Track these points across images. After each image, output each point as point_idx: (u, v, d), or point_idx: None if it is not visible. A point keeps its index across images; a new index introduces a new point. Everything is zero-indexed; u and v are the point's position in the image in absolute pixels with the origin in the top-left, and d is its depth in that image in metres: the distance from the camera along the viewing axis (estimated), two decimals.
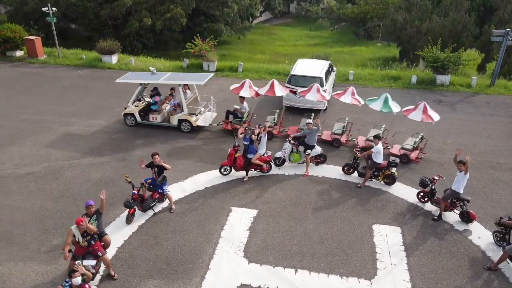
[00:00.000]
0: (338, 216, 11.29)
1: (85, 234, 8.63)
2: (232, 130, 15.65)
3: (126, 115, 16.28)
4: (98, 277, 9.09)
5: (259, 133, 12.71)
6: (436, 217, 11.24)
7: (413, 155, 14.12)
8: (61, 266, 9.44)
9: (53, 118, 16.94)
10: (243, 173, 12.91)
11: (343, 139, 14.90)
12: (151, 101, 16.52)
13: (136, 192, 10.70)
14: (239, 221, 11.02)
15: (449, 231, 10.83)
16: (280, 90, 15.37)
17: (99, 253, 8.80)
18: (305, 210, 11.50)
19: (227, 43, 47.39)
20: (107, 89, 20.10)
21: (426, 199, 11.75)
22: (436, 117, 13.67)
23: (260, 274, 9.35)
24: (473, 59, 22.29)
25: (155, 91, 16.94)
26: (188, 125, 15.81)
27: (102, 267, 9.23)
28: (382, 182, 12.63)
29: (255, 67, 23.52)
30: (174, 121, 15.90)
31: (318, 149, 13.44)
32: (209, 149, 14.70)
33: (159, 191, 11.13)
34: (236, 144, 12.80)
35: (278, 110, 16.36)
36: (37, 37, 24.85)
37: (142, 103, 16.55)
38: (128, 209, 10.71)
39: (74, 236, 8.71)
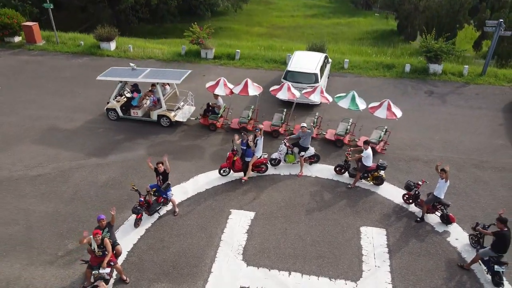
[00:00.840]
0: (329, 218, 12.26)
1: (101, 246, 9.58)
2: (209, 125, 16.44)
3: (108, 109, 17.04)
4: (112, 281, 10.12)
5: (255, 137, 13.47)
6: (419, 219, 12.24)
7: (379, 147, 15.11)
8: (78, 270, 10.45)
9: (57, 114, 17.55)
10: (241, 173, 13.78)
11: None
12: (131, 95, 17.23)
13: (142, 199, 11.59)
14: (238, 224, 11.99)
15: (430, 233, 11.86)
16: (253, 90, 15.92)
17: (112, 263, 9.79)
18: (299, 213, 12.45)
19: (223, 14, 47.06)
20: (107, 81, 20.50)
21: (410, 201, 12.70)
22: (399, 113, 14.68)
23: (257, 277, 10.41)
24: (465, 50, 22.61)
25: (135, 87, 17.60)
26: (168, 120, 16.59)
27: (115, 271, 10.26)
28: (371, 183, 13.54)
29: (252, 54, 23.84)
30: (153, 116, 16.68)
31: (311, 150, 14.24)
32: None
33: (164, 196, 12.02)
34: (234, 148, 13.57)
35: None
36: (35, 23, 24.90)
37: (123, 98, 17.23)
38: (136, 215, 11.64)
39: (90, 245, 9.66)
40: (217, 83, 16.13)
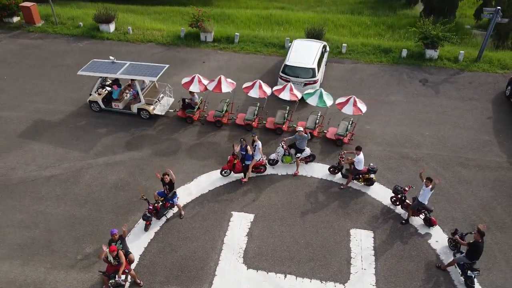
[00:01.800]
0: (322, 220, 13.41)
1: (116, 258, 10.75)
2: (185, 118, 17.32)
3: (91, 102, 17.80)
4: (127, 284, 11.39)
5: (253, 141, 14.31)
6: (404, 221, 13.39)
7: (346, 139, 16.16)
8: (96, 274, 11.69)
9: (64, 108, 18.20)
10: (241, 174, 14.77)
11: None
12: (111, 88, 17.96)
13: (151, 207, 12.65)
14: (239, 226, 13.15)
15: (413, 235, 13.05)
16: (226, 87, 16.48)
17: (126, 270, 11.00)
18: (294, 214, 13.58)
19: None
20: None
21: (397, 203, 13.79)
22: (364, 108, 15.68)
23: (257, 279, 11.70)
24: (459, 38, 22.75)
25: (115, 81, 18.20)
26: (147, 113, 17.44)
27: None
28: (362, 184, 14.57)
29: (251, 37, 23.96)
30: (134, 109, 17.55)
31: (307, 151, 15.13)
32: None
33: (170, 202, 13.06)
34: (235, 153, 14.44)
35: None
36: (33, 3, 24.74)
37: (105, 91, 17.93)
38: (145, 221, 12.76)
39: (107, 258, 10.83)
40: (192, 80, 16.69)
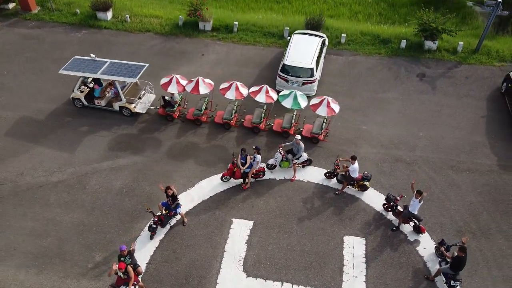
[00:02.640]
0: (317, 227, 14.19)
1: (125, 273, 11.58)
2: (166, 116, 17.86)
3: (73, 98, 18.28)
4: None
5: (254, 153, 14.84)
6: (394, 228, 14.18)
7: (321, 136, 16.76)
8: (106, 282, 12.58)
9: (67, 107, 18.52)
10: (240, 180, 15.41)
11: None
12: (93, 86, 18.39)
13: (156, 219, 13.38)
14: (239, 234, 13.93)
15: (403, 242, 13.88)
16: (204, 88, 16.77)
17: (135, 282, 11.87)
18: (291, 221, 14.33)
19: None
20: None
21: (389, 209, 14.52)
22: (337, 109, 16.19)
23: (255, 287, 12.61)
24: (460, 30, 22.65)
25: (96, 80, 18.46)
26: (129, 111, 17.98)
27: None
28: (356, 189, 15.24)
29: (250, 25, 23.76)
30: (115, 107, 18.09)
31: (304, 156, 15.69)
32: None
33: (173, 211, 13.76)
34: (235, 161, 14.98)
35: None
36: None
37: (87, 88, 18.36)
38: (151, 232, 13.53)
39: (116, 273, 11.66)
40: (170, 81, 16.98)
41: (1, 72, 20.33)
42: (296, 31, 21.28)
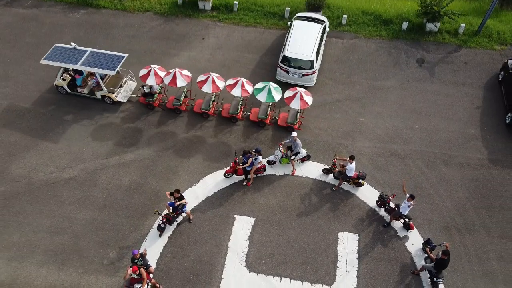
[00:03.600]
0: (314, 224, 15.25)
1: (138, 274, 12.77)
2: (146, 104, 18.50)
3: (57, 86, 18.80)
4: None
5: (255, 154, 15.55)
6: (386, 224, 15.25)
7: (296, 125, 17.54)
8: (121, 278, 13.86)
9: (69, 100, 18.91)
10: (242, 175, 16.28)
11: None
12: (74, 75, 18.83)
13: (164, 220, 14.39)
14: (241, 230, 15.03)
15: (393, 238, 15.01)
16: (181, 81, 17.21)
17: (148, 281, 13.12)
18: (290, 217, 15.38)
19: None
20: (111, 50, 21.00)
21: (382, 206, 15.51)
22: (310, 101, 16.76)
23: (257, 282, 13.90)
24: (462, 14, 22.30)
25: (77, 70, 18.72)
26: (110, 100, 18.58)
27: None
28: (352, 185, 16.14)
29: (250, 4, 23.41)
30: (98, 95, 18.71)
31: (303, 153, 16.42)
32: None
33: (180, 211, 14.75)
34: (237, 159, 15.74)
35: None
36: None
37: (69, 76, 18.84)
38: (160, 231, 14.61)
39: (131, 275, 12.85)
40: (148, 73, 17.41)
41: (3, 60, 20.45)
42: (297, 15, 21.09)
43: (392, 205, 15.09)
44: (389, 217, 15.24)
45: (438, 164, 17.02)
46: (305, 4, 22.71)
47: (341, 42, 21.88)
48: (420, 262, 14.35)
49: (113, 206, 15.56)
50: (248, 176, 16.09)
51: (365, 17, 23.01)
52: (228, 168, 16.23)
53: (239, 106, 17.89)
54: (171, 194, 14.34)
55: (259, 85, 17.22)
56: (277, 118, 17.98)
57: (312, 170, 16.72)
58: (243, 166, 15.60)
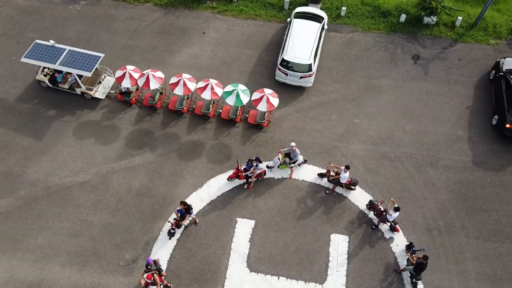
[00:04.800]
0: (309, 226, 16.80)
1: (152, 279, 14.47)
2: (124, 102, 19.58)
3: (39, 81, 19.70)
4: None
5: (256, 162, 16.75)
6: (374, 226, 16.81)
7: (265, 123, 18.83)
8: (136, 277, 15.62)
9: (78, 101, 19.74)
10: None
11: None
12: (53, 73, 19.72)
13: (174, 226, 15.88)
14: (243, 232, 16.60)
15: (380, 239, 16.63)
16: (154, 83, 18.21)
17: (161, 283, 14.87)
18: (287, 220, 16.89)
19: None
20: (114, 46, 21.50)
21: (371, 210, 16.97)
22: (276, 103, 17.92)
23: (257, 281, 15.69)
24: (460, 10, 22.45)
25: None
26: (90, 96, 19.57)
27: None
28: (345, 189, 17.51)
29: None
30: (77, 91, 19.68)
31: (300, 159, 17.61)
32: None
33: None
34: (239, 167, 16.96)
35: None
36: None
37: (50, 72, 19.73)
38: (170, 236, 16.17)
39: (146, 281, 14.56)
40: (123, 75, 18.43)
41: (9, 58, 20.95)
42: (297, 11, 21.30)
43: (381, 208, 16.56)
44: (377, 220, 16.77)
45: (425, 166, 18.29)
46: None
47: (339, 37, 22.27)
48: (403, 262, 16.07)
49: (125, 210, 17.01)
50: (250, 180, 17.40)
51: (364, 8, 23.18)
52: (231, 173, 17.47)
53: (210, 105, 18.92)
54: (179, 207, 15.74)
55: (228, 88, 18.13)
56: (247, 115, 19.08)
57: (308, 173, 18.01)
58: (245, 174, 16.87)
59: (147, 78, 18.15)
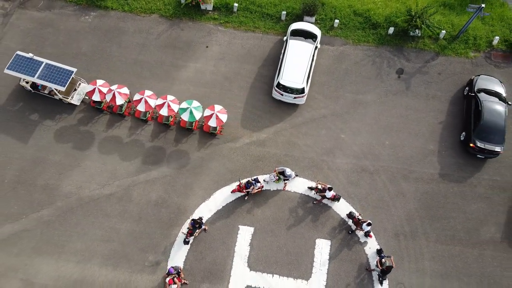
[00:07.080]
0: (298, 232, 20.42)
1: (173, 283, 18.37)
2: (96, 108, 22.45)
3: (22, 86, 22.56)
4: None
5: (255, 182, 19.95)
6: (350, 232, 20.43)
7: (218, 131, 21.88)
8: (159, 276, 19.54)
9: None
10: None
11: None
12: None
13: (189, 236, 19.49)
14: (244, 238, 20.26)
15: (356, 243, 20.34)
16: (120, 99, 21.14)
17: (179, 283, 18.81)
18: (280, 227, 20.47)
19: None
20: (126, 61, 23.59)
21: (350, 218, 20.49)
22: (224, 118, 20.83)
23: (255, 278, 19.63)
24: (441, 28, 23.95)
25: None
26: (66, 101, 22.40)
27: None
28: (330, 200, 20.89)
29: (249, 4, 24.88)
30: (56, 97, 22.43)
31: (292, 175, 20.77)
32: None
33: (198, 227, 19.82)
34: (241, 183, 20.19)
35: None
36: None
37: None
38: (186, 244, 19.84)
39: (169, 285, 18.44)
40: (93, 90, 21.25)
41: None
42: (292, 28, 23.12)
43: (360, 217, 20.07)
44: (354, 227, 20.38)
45: (398, 179, 21.51)
46: (300, 7, 24.32)
47: (331, 50, 24.27)
48: (373, 262, 19.93)
49: (146, 219, 20.51)
50: (249, 192, 20.75)
51: (356, 19, 24.87)
52: (234, 188, 20.73)
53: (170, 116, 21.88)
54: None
55: (184, 105, 20.95)
56: (202, 123, 21.97)
57: (299, 185, 21.28)
58: (246, 191, 20.17)
59: (113, 95, 21.00)
